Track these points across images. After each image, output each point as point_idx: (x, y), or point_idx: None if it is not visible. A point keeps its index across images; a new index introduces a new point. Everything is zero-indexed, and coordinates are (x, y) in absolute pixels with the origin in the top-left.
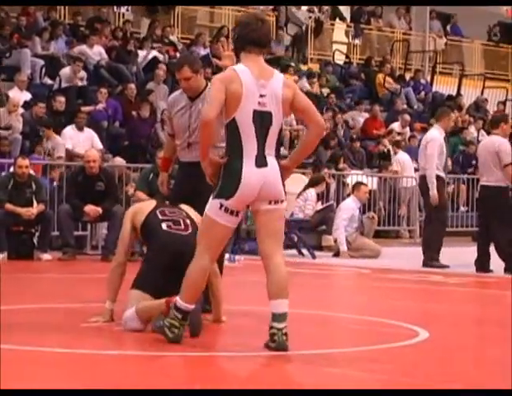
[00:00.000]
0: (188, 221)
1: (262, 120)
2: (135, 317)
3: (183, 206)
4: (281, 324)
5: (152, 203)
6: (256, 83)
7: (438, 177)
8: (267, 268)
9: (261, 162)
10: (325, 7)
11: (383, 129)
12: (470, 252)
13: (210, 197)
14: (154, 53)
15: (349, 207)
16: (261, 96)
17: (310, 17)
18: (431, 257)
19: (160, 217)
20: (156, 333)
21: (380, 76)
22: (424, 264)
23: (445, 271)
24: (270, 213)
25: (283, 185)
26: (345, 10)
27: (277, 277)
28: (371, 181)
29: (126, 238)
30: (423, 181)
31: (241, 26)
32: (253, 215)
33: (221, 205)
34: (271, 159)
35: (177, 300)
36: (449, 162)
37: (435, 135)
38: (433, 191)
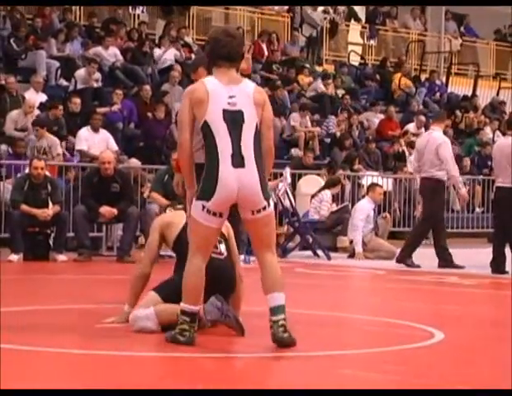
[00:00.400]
0: (224, 245)
1: (233, 118)
2: (152, 317)
3: None
4: (276, 316)
5: (182, 215)
6: (224, 87)
7: (439, 181)
8: (261, 267)
9: (237, 162)
10: (341, 9)
11: (398, 130)
12: (486, 253)
13: (194, 198)
14: (172, 50)
15: (364, 208)
16: (230, 97)
17: (325, 18)
18: (407, 255)
19: None
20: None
21: (396, 76)
22: (440, 265)
23: (460, 272)
24: (256, 222)
25: (264, 190)
26: (360, 11)
27: (270, 272)
28: (386, 182)
29: (154, 249)
30: (425, 182)
31: (212, 42)
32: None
33: (203, 207)
34: (250, 160)
35: (182, 305)
36: (468, 163)
37: (443, 137)
38: (463, 190)
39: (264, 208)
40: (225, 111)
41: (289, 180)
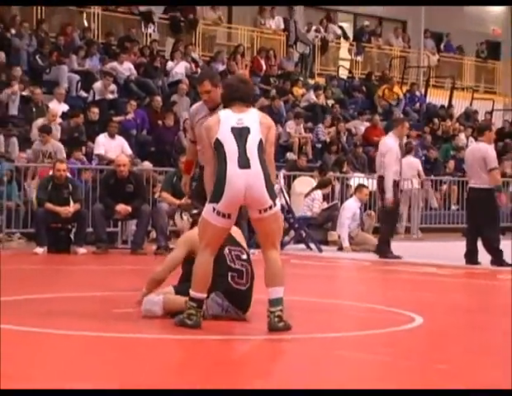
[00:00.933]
0: (249, 269)
1: (240, 131)
2: (159, 303)
3: (234, 232)
4: (273, 308)
5: None
6: (234, 114)
7: (393, 181)
8: (265, 262)
9: (243, 163)
10: (331, 29)
11: (383, 136)
12: (460, 246)
13: (207, 202)
14: (183, 63)
15: (351, 206)
16: (239, 119)
17: (316, 37)
18: (385, 251)
19: (228, 262)
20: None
21: (381, 89)
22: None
23: (438, 263)
24: (263, 220)
25: (270, 190)
26: (348, 29)
27: (272, 268)
28: (371, 183)
29: (177, 263)
30: (380, 181)
31: (226, 88)
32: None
33: (214, 209)
34: (255, 162)
35: (191, 292)
36: (452, 165)
37: (392, 145)
38: (389, 195)
39: (270, 207)
40: (233, 128)
41: (282, 182)
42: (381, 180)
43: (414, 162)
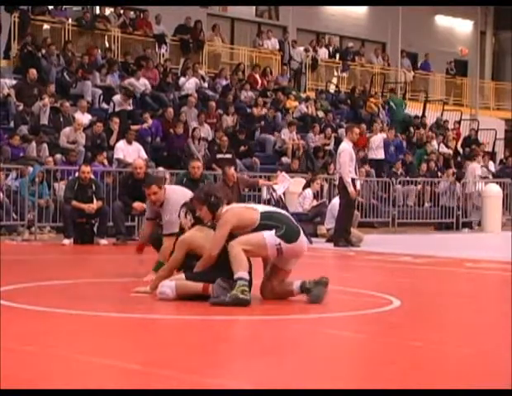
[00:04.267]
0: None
1: None
2: (172, 287)
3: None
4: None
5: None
6: None
7: (352, 179)
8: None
9: None
10: (320, 49)
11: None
12: (432, 239)
13: (274, 231)
14: (193, 79)
15: (337, 204)
16: None
17: (307, 56)
18: (340, 238)
19: None
20: (213, 305)
21: (370, 101)
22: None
23: (414, 254)
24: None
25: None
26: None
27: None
28: (358, 183)
29: (178, 263)
30: (340, 180)
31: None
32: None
33: (279, 244)
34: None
35: (240, 274)
36: (424, 168)
37: (345, 147)
38: (351, 189)
39: None
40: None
41: (288, 177)
42: (341, 180)
43: None
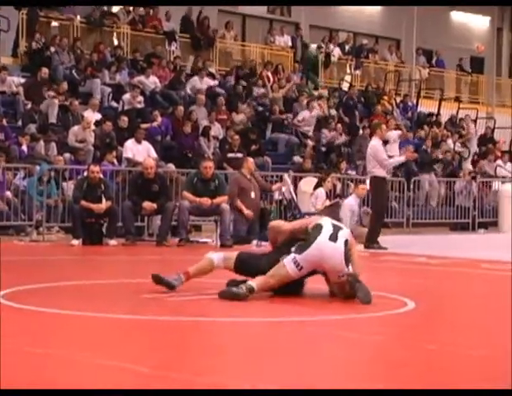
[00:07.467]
0: None
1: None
2: (221, 257)
3: None
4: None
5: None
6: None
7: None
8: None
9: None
10: (333, 47)
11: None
12: (450, 239)
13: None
14: (207, 80)
15: (350, 203)
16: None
17: (321, 53)
18: (373, 241)
19: None
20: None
21: (384, 99)
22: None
23: (429, 255)
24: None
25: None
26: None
27: None
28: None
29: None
30: (372, 181)
31: None
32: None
33: (294, 258)
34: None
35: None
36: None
37: (376, 145)
38: (401, 159)
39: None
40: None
41: (289, 182)
42: (372, 177)
43: None
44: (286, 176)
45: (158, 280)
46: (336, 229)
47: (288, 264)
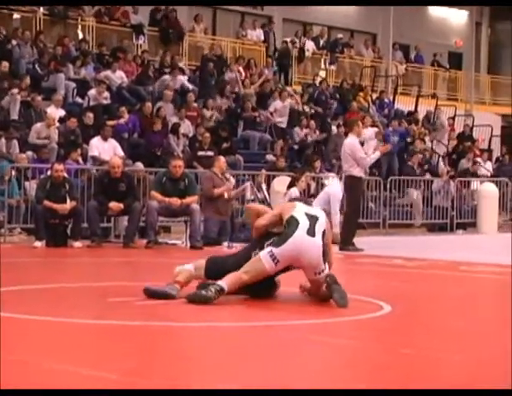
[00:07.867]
0: None
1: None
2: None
3: None
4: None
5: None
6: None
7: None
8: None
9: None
10: (306, 42)
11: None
12: (427, 241)
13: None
14: (181, 78)
15: (339, 189)
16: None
17: (294, 47)
18: (348, 243)
19: None
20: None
21: (360, 95)
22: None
23: (406, 256)
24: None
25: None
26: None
27: None
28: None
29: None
30: (347, 179)
31: None
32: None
33: (271, 251)
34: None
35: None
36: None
37: (353, 142)
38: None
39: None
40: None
41: (249, 188)
42: (347, 177)
43: None
44: (248, 184)
45: (150, 293)
46: (313, 221)
47: (264, 257)
